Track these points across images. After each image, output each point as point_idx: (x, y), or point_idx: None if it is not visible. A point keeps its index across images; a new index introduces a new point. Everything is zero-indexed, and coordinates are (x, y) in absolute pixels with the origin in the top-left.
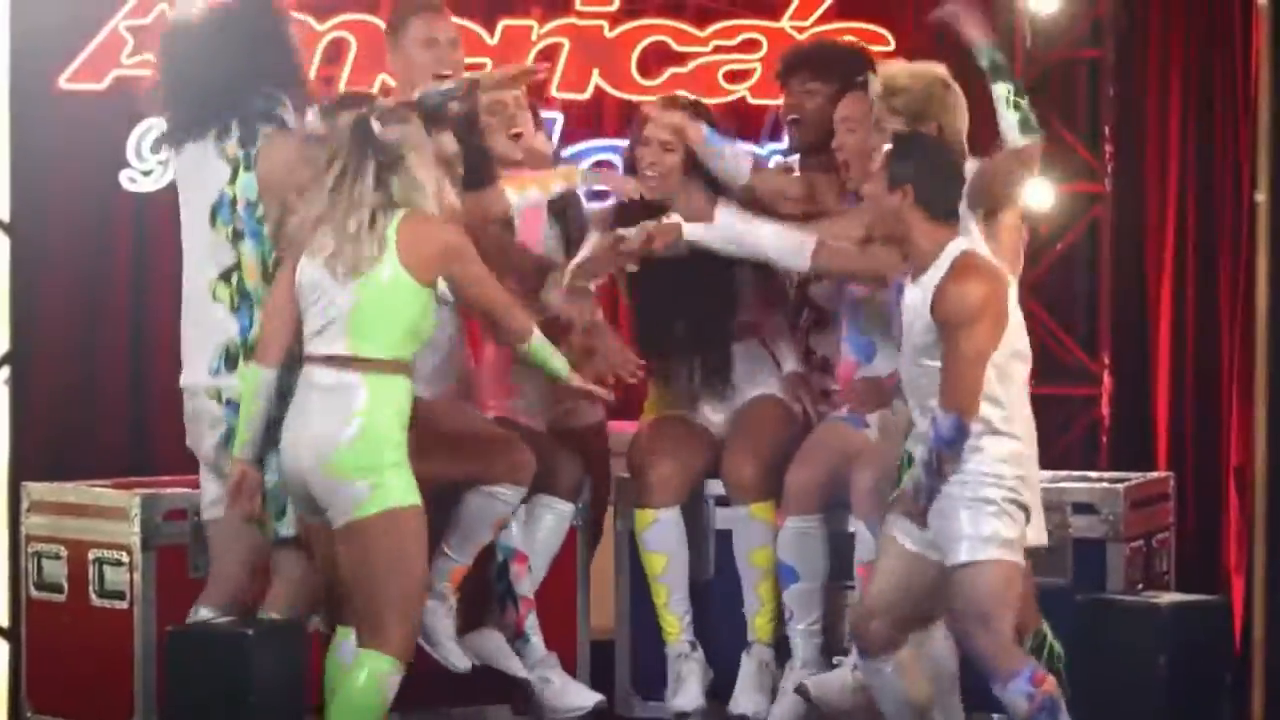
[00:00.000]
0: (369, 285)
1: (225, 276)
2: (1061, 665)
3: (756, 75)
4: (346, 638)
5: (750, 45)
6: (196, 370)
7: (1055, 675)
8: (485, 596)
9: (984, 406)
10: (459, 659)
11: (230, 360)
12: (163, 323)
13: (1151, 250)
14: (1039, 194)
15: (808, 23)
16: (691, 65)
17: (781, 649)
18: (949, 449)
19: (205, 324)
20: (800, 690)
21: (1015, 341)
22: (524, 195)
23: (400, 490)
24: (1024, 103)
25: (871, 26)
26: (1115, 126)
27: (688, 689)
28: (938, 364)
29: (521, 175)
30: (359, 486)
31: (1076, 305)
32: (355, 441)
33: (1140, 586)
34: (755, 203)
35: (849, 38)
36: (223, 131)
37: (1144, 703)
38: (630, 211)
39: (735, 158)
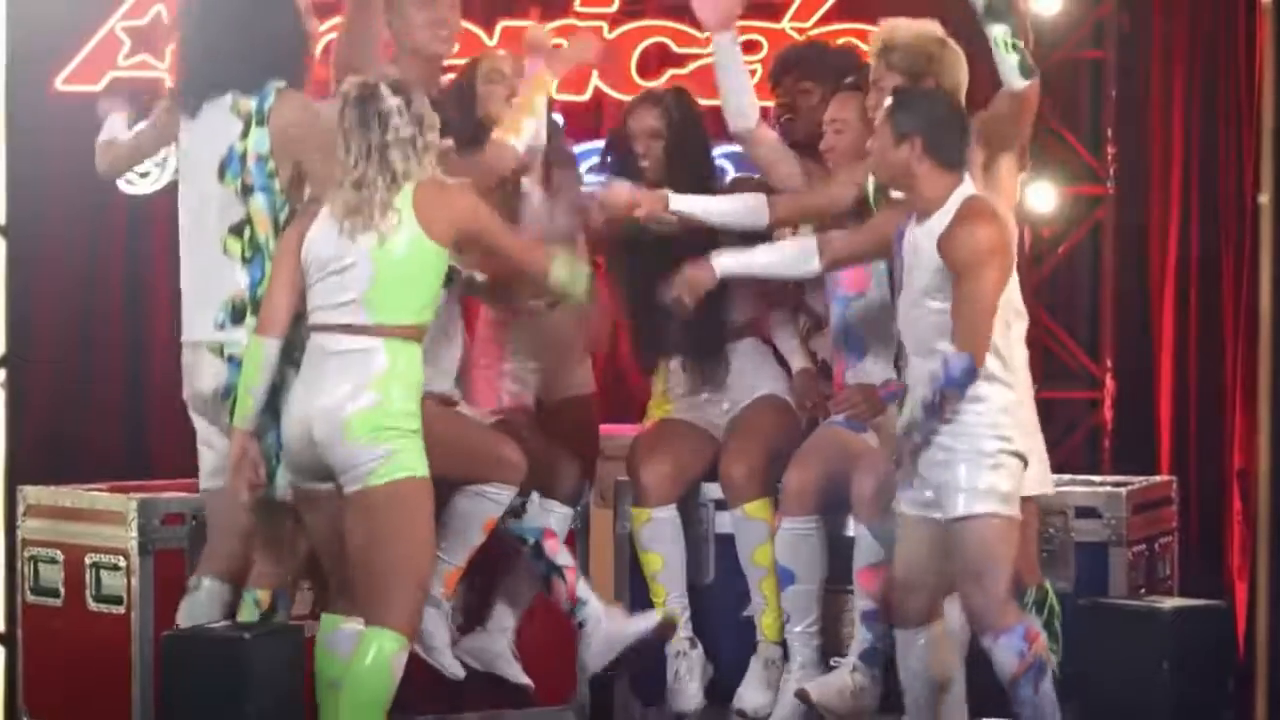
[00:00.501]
0: (387, 253)
1: (236, 230)
2: (1059, 622)
3: (757, 76)
4: (336, 627)
5: (751, 46)
6: (199, 325)
7: (1054, 633)
8: (484, 597)
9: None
10: (454, 667)
11: (236, 314)
12: (159, 325)
13: (1154, 253)
14: (1041, 196)
15: (808, 24)
16: (691, 66)
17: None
18: (957, 389)
19: (211, 280)
20: (800, 695)
21: (1011, 295)
22: (522, 135)
23: (412, 461)
24: (1021, 45)
25: (871, 28)
26: (1118, 128)
27: (687, 688)
28: (942, 305)
29: (503, 116)
30: (374, 453)
31: (1079, 308)
32: (372, 406)
33: (1143, 591)
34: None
35: (849, 39)
36: (243, 87)
37: (1147, 707)
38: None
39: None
